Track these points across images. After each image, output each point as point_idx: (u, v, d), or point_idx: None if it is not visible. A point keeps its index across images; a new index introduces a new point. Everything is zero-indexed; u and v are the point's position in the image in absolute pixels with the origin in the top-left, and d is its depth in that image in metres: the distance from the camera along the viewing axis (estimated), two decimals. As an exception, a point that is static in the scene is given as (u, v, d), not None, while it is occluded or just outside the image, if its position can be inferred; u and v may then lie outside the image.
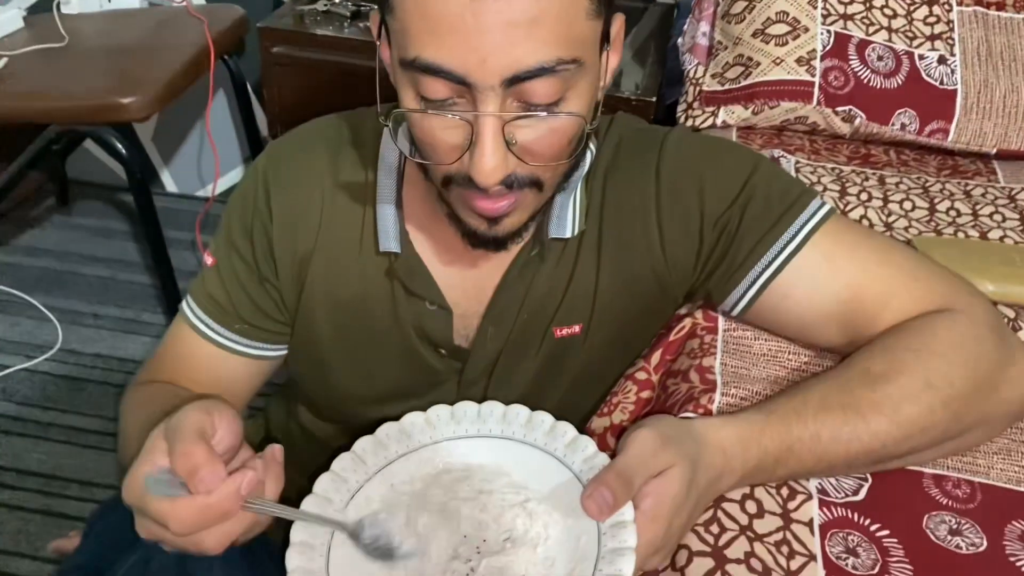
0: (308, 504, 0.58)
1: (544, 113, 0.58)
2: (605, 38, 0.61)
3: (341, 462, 0.61)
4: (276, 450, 0.59)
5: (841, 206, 0.99)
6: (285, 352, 0.83)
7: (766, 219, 0.71)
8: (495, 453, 0.61)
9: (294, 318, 0.79)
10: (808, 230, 0.71)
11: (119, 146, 1.53)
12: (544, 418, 0.62)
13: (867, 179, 1.05)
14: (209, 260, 0.79)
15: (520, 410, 0.63)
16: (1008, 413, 0.68)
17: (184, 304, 0.80)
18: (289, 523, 0.57)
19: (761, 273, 0.71)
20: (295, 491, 0.90)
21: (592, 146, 0.75)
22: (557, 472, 0.58)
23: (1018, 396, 0.67)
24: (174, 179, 2.20)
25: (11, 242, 2.01)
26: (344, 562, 0.55)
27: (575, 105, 0.59)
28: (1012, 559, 0.60)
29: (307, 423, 0.91)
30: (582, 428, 0.80)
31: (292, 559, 0.55)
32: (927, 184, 1.06)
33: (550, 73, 0.55)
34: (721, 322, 0.78)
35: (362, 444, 0.62)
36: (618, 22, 0.64)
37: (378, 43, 0.64)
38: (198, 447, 0.53)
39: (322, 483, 0.60)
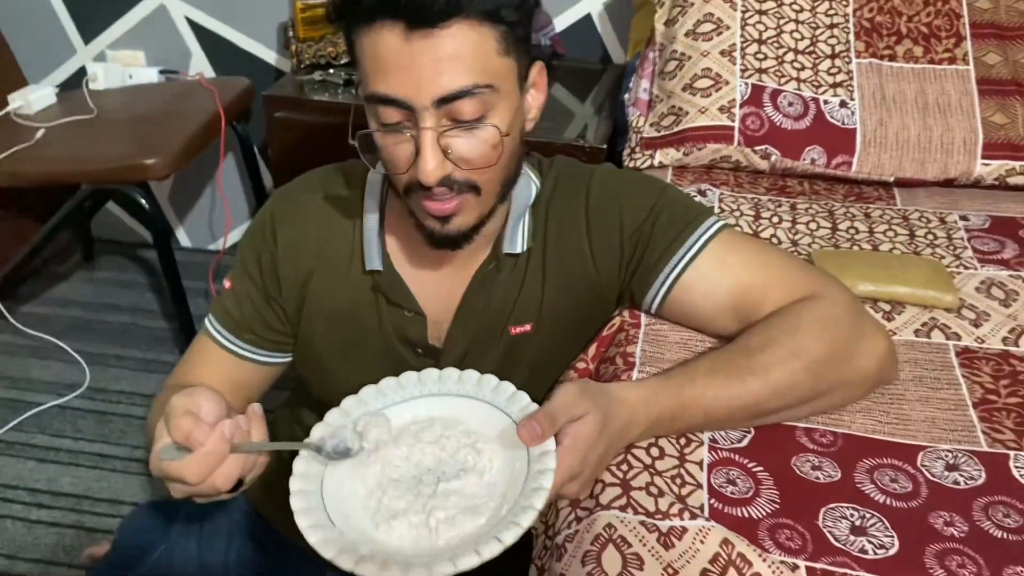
0: (304, 441, 0.74)
1: (466, 120, 0.75)
2: (523, 78, 0.81)
3: (331, 414, 0.78)
4: (256, 407, 0.75)
5: (755, 227, 1.17)
6: (289, 359, 1.00)
7: (671, 232, 0.88)
8: (452, 407, 0.77)
9: (296, 329, 0.96)
10: (705, 240, 0.88)
11: (143, 202, 1.73)
12: (490, 379, 0.78)
13: (780, 206, 1.24)
14: (227, 284, 0.96)
15: (472, 373, 0.79)
16: (865, 378, 0.84)
17: (206, 320, 0.98)
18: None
19: (669, 274, 0.89)
20: None
21: (536, 180, 0.94)
22: (499, 419, 0.74)
23: (872, 364, 0.84)
24: (188, 235, 2.39)
25: (43, 295, 2.20)
26: (333, 485, 0.71)
27: (494, 121, 0.77)
28: (858, 485, 0.76)
29: (309, 423, 1.07)
30: (535, 411, 0.97)
31: (294, 483, 0.71)
32: (833, 208, 1.24)
33: (469, 95, 0.74)
34: (643, 319, 0.95)
35: (348, 401, 0.79)
36: (536, 68, 0.83)
37: (356, 92, 0.83)
38: (185, 419, 0.69)
39: (317, 429, 0.76)
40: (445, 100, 0.74)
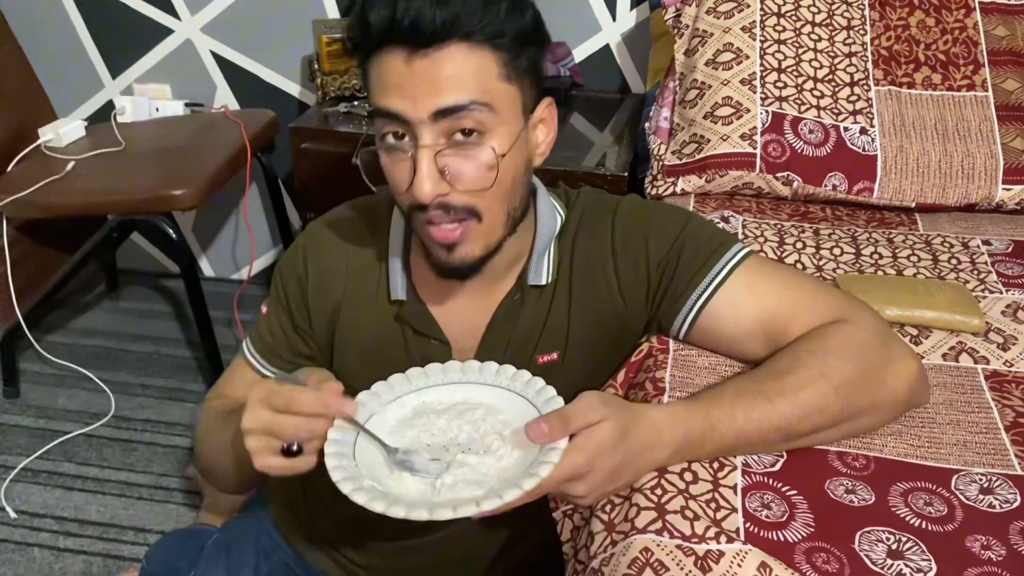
0: (362, 397, 0.81)
1: (464, 139, 0.77)
2: (529, 110, 0.83)
3: (395, 376, 0.83)
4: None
5: (779, 253, 1.18)
6: None
7: (698, 259, 0.89)
8: (495, 397, 0.81)
9: (329, 357, 0.99)
10: (731, 266, 0.89)
11: (171, 232, 1.75)
12: (527, 375, 0.81)
13: (803, 232, 1.25)
14: (264, 310, 1.00)
15: (510, 368, 0.83)
16: (896, 402, 0.84)
17: (244, 342, 1.01)
18: None
19: (696, 301, 0.89)
20: (331, 520, 1.07)
21: (561, 211, 0.95)
22: (531, 414, 0.77)
23: (902, 387, 0.84)
24: (211, 264, 2.42)
25: (68, 325, 2.22)
26: (364, 445, 0.78)
27: (491, 142, 0.79)
28: (892, 508, 0.76)
29: None
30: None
31: (331, 433, 0.77)
32: (856, 234, 1.25)
33: (465, 110, 0.76)
34: (672, 344, 0.95)
35: (413, 370, 0.84)
36: (544, 103, 0.85)
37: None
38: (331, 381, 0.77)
39: (378, 384, 0.82)
40: (442, 114, 0.76)
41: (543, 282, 0.92)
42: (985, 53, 1.39)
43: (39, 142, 1.87)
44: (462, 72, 0.76)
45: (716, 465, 0.80)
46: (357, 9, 0.78)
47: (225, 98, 2.16)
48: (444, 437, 0.78)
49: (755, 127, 1.34)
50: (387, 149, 0.80)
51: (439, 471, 0.75)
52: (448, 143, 0.78)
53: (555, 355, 0.94)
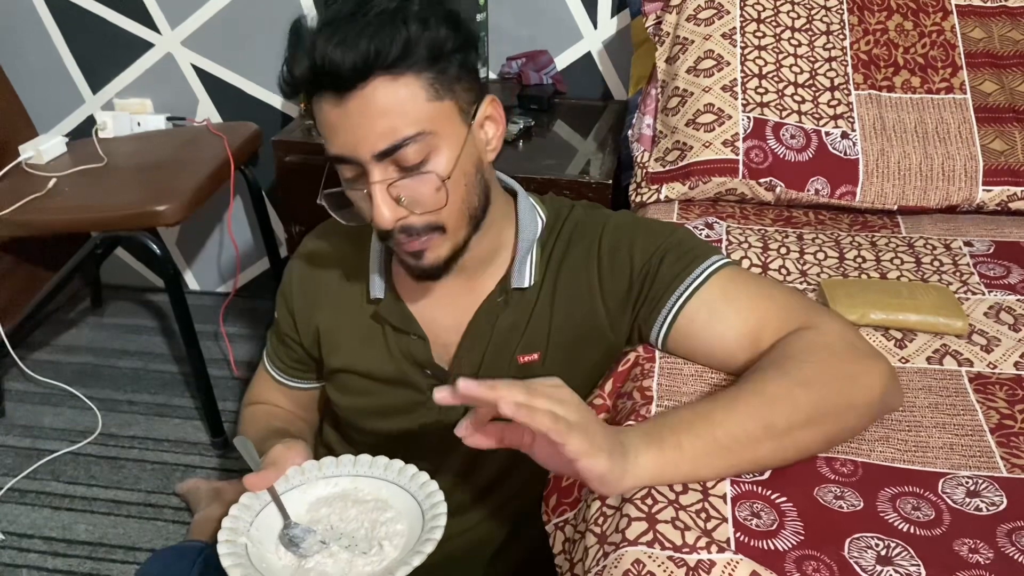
0: (307, 465, 0.90)
1: (412, 168, 0.80)
2: (470, 114, 0.85)
3: (308, 464, 0.91)
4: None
5: (763, 259, 1.19)
6: (317, 386, 1.10)
7: (676, 267, 0.91)
8: (388, 492, 0.88)
9: (319, 361, 1.04)
10: (709, 273, 0.90)
11: (154, 247, 1.74)
12: (418, 474, 0.88)
13: (787, 236, 1.26)
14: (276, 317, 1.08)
15: (412, 469, 0.88)
16: (872, 401, 0.83)
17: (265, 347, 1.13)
18: None
19: (673, 305, 0.90)
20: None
21: (541, 213, 0.97)
22: (413, 505, 0.85)
23: (875, 384, 0.83)
24: (196, 278, 2.41)
25: (53, 342, 2.20)
26: (271, 511, 0.86)
27: (436, 164, 0.82)
28: (881, 514, 0.77)
29: (329, 440, 1.12)
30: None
31: (233, 507, 0.85)
32: (839, 238, 1.26)
33: (403, 147, 0.79)
34: (658, 353, 0.96)
35: (327, 460, 0.91)
36: (486, 102, 0.87)
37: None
38: (269, 473, 0.87)
39: (292, 471, 0.90)
40: (385, 153, 0.79)
41: (526, 284, 0.95)
42: (963, 55, 1.40)
43: (19, 159, 1.85)
44: (392, 105, 0.78)
45: (706, 473, 0.81)
46: (284, 63, 0.81)
47: (207, 111, 2.15)
48: (346, 526, 0.84)
49: (737, 133, 1.35)
50: (348, 187, 0.84)
51: (315, 552, 0.81)
52: (399, 174, 0.81)
53: (536, 356, 0.96)
